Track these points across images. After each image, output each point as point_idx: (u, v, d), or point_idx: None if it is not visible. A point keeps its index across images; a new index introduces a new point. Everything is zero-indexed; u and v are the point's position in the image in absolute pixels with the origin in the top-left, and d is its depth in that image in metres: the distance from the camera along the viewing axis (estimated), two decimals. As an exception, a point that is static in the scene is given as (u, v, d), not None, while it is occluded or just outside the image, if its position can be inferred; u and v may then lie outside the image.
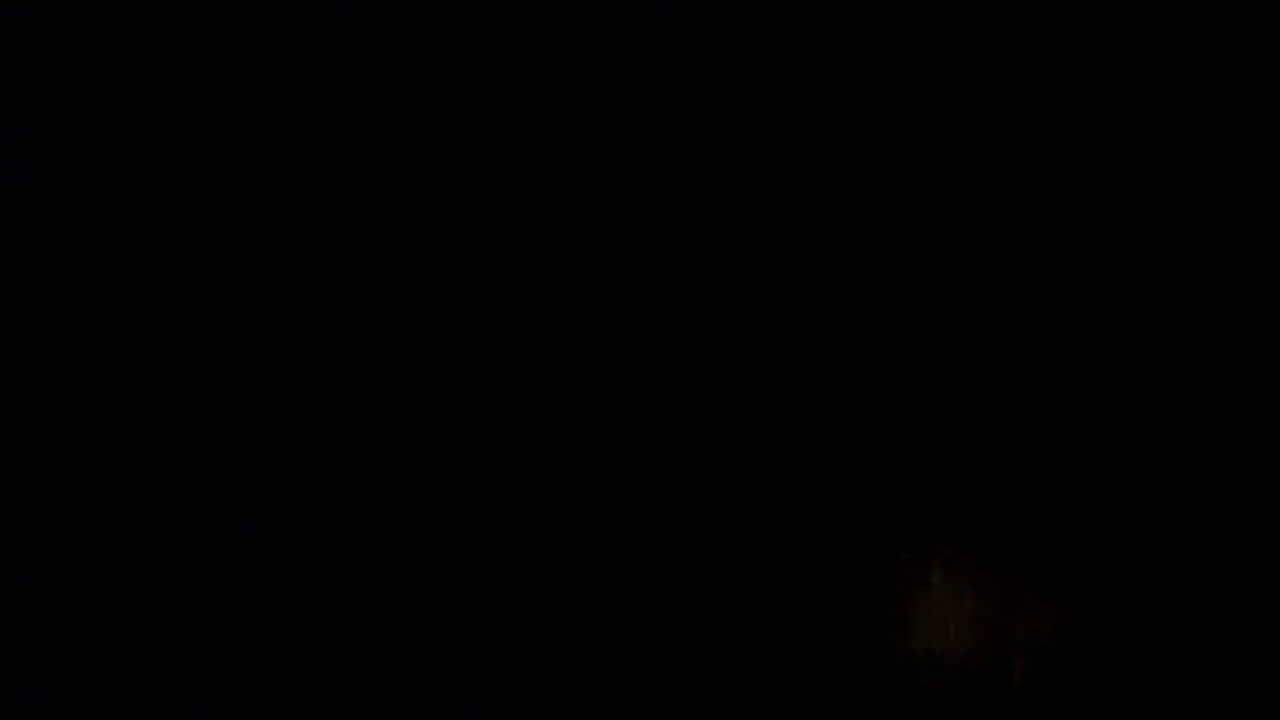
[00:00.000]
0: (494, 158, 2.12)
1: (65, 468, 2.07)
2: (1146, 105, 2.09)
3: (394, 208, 2.12)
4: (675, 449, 2.11)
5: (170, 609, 2.06)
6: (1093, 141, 2.10)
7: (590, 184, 2.13)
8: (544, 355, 2.12)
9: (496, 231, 2.13)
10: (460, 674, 2.06)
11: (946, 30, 2.09)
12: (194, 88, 2.10)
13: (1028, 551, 2.08)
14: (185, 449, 2.08)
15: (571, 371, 2.12)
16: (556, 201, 2.13)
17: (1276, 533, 2.02)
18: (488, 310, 2.12)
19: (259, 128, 2.10)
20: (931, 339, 2.11)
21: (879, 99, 2.11)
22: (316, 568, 2.07)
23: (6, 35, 2.07)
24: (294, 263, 2.10)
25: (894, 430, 2.10)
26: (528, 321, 2.13)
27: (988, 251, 2.11)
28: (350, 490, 2.09)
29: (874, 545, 2.08)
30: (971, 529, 2.09)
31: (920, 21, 2.10)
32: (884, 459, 2.09)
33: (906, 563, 2.07)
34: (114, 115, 2.10)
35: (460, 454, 2.10)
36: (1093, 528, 2.06)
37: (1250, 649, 2.00)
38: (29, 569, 2.05)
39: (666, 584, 2.08)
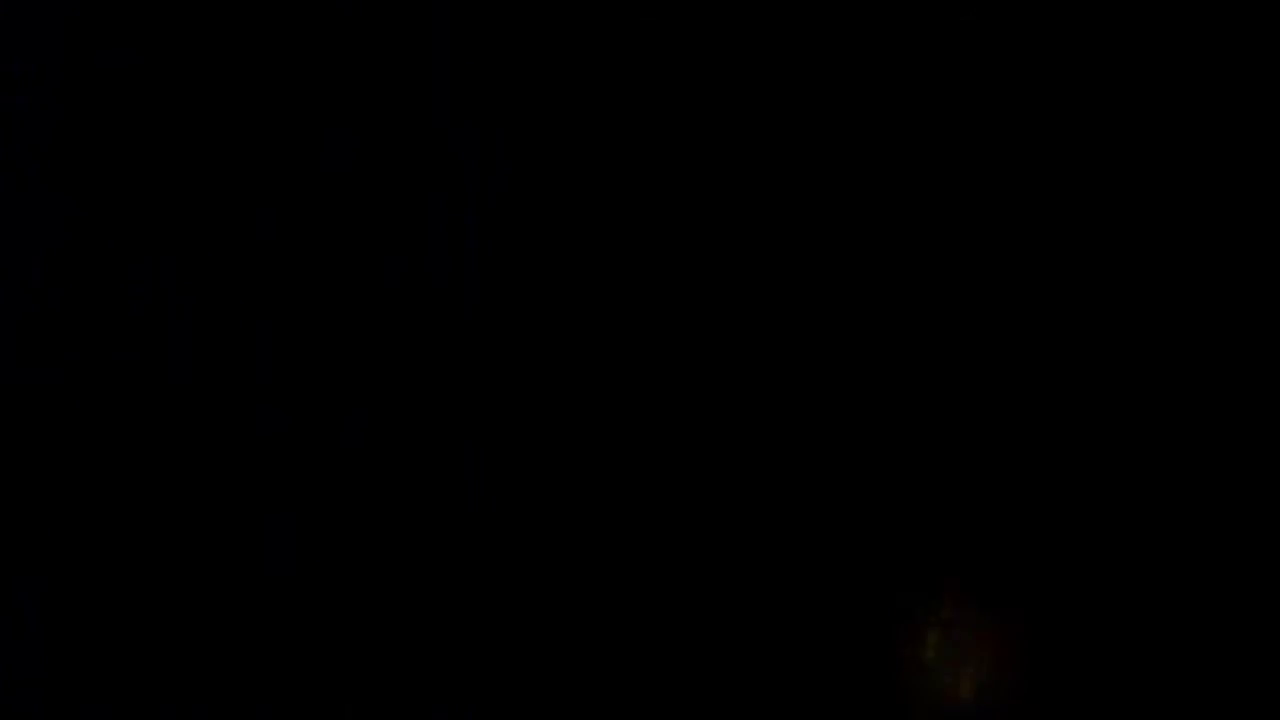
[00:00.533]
0: (493, 156, 2.13)
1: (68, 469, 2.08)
2: (1146, 105, 2.08)
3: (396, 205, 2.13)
4: (677, 462, 2.10)
5: (166, 611, 2.06)
6: (1092, 142, 2.09)
7: (591, 183, 2.14)
8: (540, 359, 2.12)
9: (497, 231, 2.14)
10: (452, 676, 2.05)
11: (946, 30, 2.09)
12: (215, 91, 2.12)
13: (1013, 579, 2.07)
14: (184, 451, 2.09)
15: (565, 376, 2.12)
16: (555, 200, 2.13)
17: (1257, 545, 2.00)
18: (485, 309, 2.13)
19: (269, 130, 2.12)
20: (923, 365, 2.10)
21: (879, 99, 2.12)
22: (313, 569, 2.08)
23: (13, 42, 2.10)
24: (291, 263, 2.11)
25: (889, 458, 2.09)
26: (527, 323, 2.13)
27: (997, 269, 2.10)
28: (347, 494, 2.09)
29: (867, 577, 2.07)
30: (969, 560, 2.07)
31: (920, 21, 2.10)
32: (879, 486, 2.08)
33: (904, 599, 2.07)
34: (123, 117, 2.12)
35: (456, 453, 2.10)
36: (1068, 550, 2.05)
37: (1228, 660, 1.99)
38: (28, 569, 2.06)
39: (665, 600, 2.08)
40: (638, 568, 2.07)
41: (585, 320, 2.13)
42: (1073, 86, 2.09)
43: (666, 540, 2.08)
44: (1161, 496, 2.03)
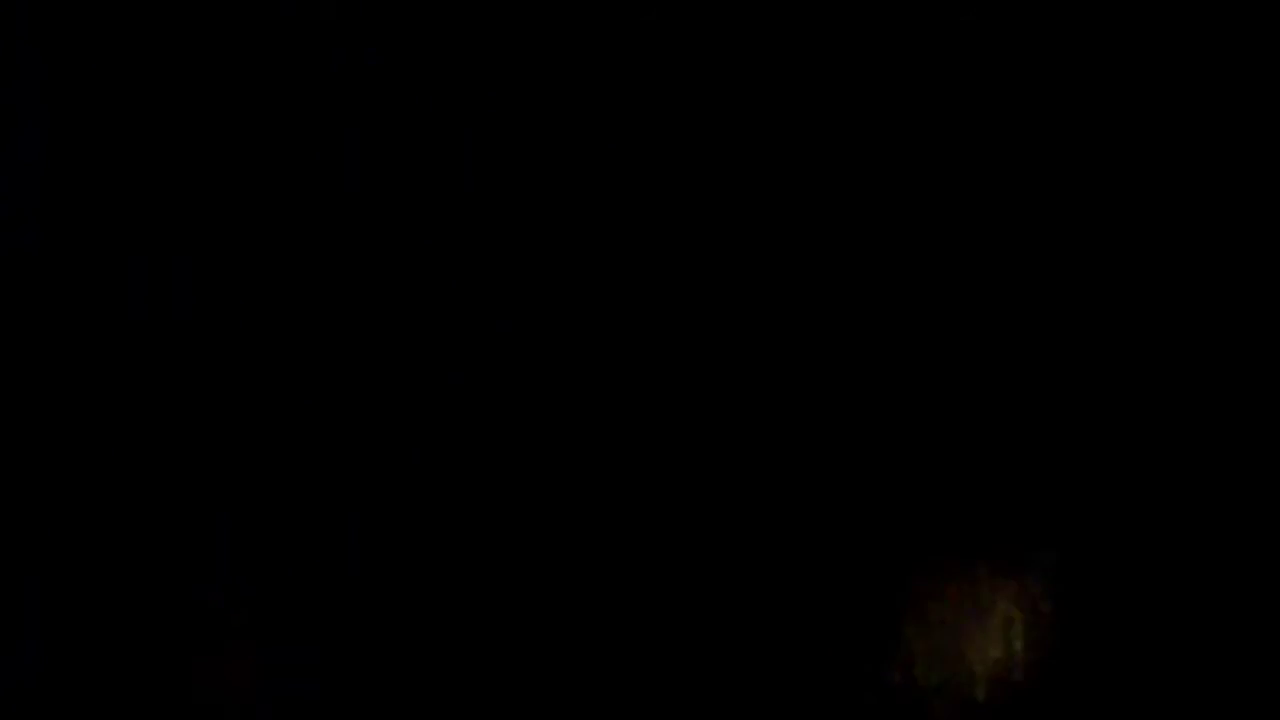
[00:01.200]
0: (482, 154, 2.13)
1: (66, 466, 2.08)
2: (1145, 106, 2.08)
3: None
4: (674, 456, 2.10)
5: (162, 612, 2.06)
6: (1091, 141, 2.09)
7: (587, 184, 2.14)
8: (539, 358, 2.12)
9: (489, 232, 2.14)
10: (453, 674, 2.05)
11: (945, 30, 2.09)
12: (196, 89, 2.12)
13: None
14: (182, 450, 2.09)
15: (568, 374, 2.12)
16: (549, 199, 2.13)
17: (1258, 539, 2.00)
18: (480, 309, 2.13)
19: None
20: (928, 349, 2.09)
21: (878, 99, 2.11)
22: (310, 569, 2.08)
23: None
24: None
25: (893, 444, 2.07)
26: (528, 322, 2.13)
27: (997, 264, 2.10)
28: (343, 491, 2.09)
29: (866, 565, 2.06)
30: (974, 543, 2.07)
31: (920, 21, 2.09)
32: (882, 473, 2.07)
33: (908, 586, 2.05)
34: (127, 119, 2.12)
35: (454, 456, 2.10)
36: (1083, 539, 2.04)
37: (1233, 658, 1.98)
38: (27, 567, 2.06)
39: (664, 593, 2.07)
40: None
41: (581, 317, 2.13)
42: (1071, 87, 2.09)
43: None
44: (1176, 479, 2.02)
